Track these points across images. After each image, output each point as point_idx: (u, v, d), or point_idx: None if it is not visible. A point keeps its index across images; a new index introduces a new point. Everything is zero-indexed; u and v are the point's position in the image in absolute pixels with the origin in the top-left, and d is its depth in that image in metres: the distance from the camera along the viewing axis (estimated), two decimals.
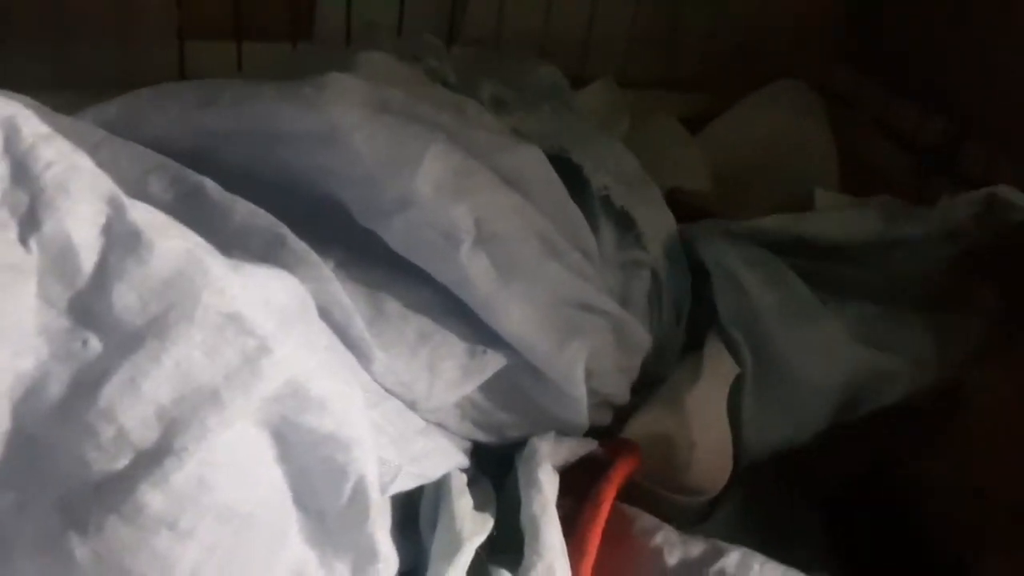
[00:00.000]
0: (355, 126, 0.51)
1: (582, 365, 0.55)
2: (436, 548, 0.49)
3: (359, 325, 0.49)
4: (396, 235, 0.52)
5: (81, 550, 0.40)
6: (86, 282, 0.41)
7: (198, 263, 0.43)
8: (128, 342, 0.41)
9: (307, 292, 0.47)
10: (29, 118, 0.42)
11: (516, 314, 0.53)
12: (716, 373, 0.59)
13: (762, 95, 0.89)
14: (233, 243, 0.48)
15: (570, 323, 0.55)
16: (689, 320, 0.64)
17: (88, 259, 0.41)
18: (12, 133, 0.41)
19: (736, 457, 0.57)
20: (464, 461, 0.53)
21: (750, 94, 0.89)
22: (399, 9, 0.84)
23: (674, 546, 0.49)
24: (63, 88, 0.68)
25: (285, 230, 0.48)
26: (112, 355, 0.41)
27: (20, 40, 0.75)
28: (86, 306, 0.41)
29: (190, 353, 0.41)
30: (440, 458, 0.52)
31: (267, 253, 0.48)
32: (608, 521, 0.50)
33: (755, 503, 0.58)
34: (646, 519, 0.52)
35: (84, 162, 0.43)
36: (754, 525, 0.57)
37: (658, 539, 0.50)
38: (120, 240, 0.42)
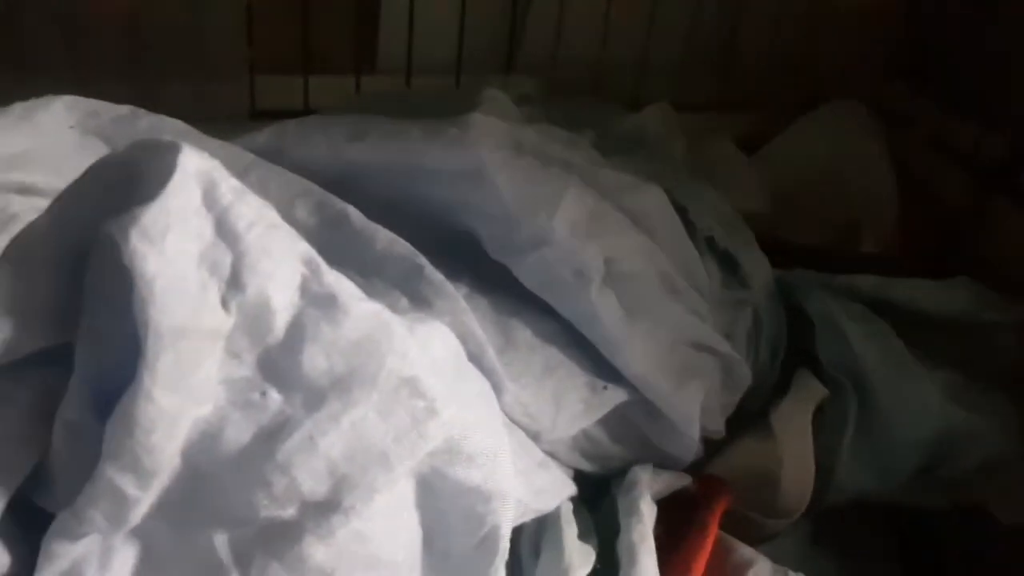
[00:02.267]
0: (499, 166, 0.54)
1: (699, 406, 0.56)
2: (541, 575, 0.50)
3: (491, 356, 0.50)
4: (529, 271, 0.54)
5: None
6: (277, 341, 0.42)
7: (385, 327, 0.44)
8: (311, 400, 0.42)
9: (457, 341, 0.49)
10: (223, 172, 0.42)
11: (639, 353, 0.54)
12: (802, 393, 0.62)
13: (818, 115, 0.89)
14: (373, 270, 0.50)
15: (688, 363, 0.56)
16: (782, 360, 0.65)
17: (282, 319, 0.42)
18: (211, 188, 0.41)
19: (822, 494, 0.59)
20: (574, 491, 0.55)
21: (806, 114, 0.90)
22: (459, 39, 0.86)
23: None
24: None
25: (423, 260, 0.50)
26: (294, 412, 0.42)
27: (99, 73, 0.79)
28: (273, 362, 0.42)
29: (367, 414, 0.42)
30: (556, 490, 0.53)
31: (406, 282, 0.50)
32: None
33: (828, 524, 0.60)
34: (742, 551, 0.53)
35: (278, 219, 0.44)
36: (827, 544, 0.59)
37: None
38: (316, 302, 0.43)
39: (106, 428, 0.39)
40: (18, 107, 0.53)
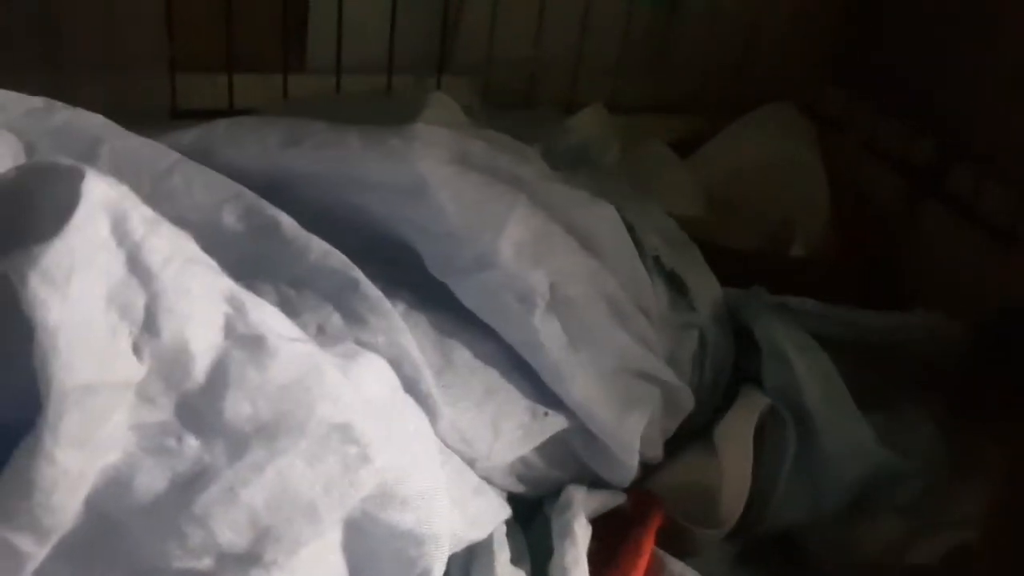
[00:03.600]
0: (443, 183, 0.52)
1: (639, 435, 0.55)
2: None
3: (428, 380, 0.48)
4: (471, 293, 0.53)
5: None
6: (197, 386, 0.39)
7: (316, 370, 0.42)
8: (233, 448, 0.39)
9: (392, 375, 0.46)
10: (134, 200, 0.39)
11: (581, 382, 0.53)
12: (746, 404, 0.61)
13: (752, 118, 0.89)
14: (305, 283, 0.48)
15: (631, 392, 0.55)
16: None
17: (203, 364, 0.39)
18: (120, 219, 0.38)
19: (759, 518, 0.59)
20: (508, 514, 0.53)
21: (740, 118, 0.90)
22: (389, 39, 0.84)
23: None
24: None
25: (359, 274, 0.48)
26: (214, 460, 0.39)
27: (10, 68, 0.76)
28: (192, 408, 0.39)
29: (294, 462, 0.40)
30: (491, 516, 0.52)
31: (339, 297, 0.47)
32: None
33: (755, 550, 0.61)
34: (673, 567, 0.53)
35: (197, 252, 0.41)
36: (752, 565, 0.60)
37: None
38: (241, 344, 0.40)
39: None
40: None
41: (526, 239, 0.52)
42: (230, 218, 0.48)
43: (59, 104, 0.51)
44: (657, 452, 0.59)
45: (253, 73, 0.82)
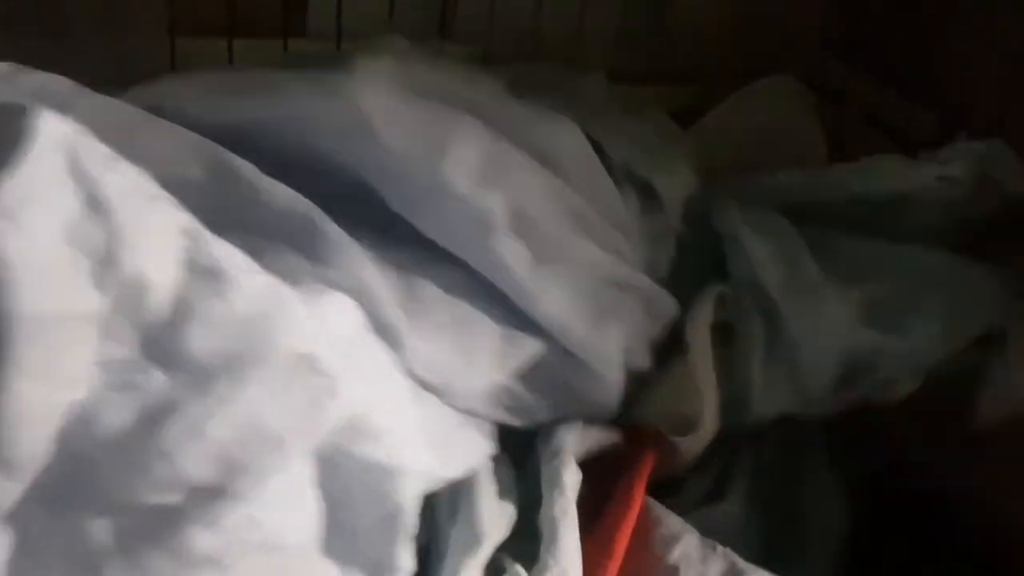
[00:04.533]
0: (385, 116, 0.51)
1: (619, 347, 0.55)
2: (455, 542, 0.49)
3: (390, 313, 0.49)
4: (428, 223, 0.53)
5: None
6: (160, 320, 0.39)
7: (279, 301, 0.42)
8: (199, 382, 0.40)
9: (359, 312, 0.47)
10: (92, 139, 0.39)
11: (552, 298, 0.53)
12: (703, 297, 0.61)
13: (753, 90, 0.89)
14: (268, 226, 0.48)
15: (606, 304, 0.55)
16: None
17: (165, 297, 0.39)
18: (77, 157, 0.38)
19: (740, 416, 0.58)
20: (492, 449, 0.53)
21: (741, 89, 0.89)
22: (389, 6, 0.84)
23: (691, 565, 0.50)
24: None
25: (319, 214, 0.48)
26: (180, 394, 0.40)
27: (10, 32, 0.75)
28: (156, 342, 0.40)
29: (259, 394, 0.41)
30: (472, 454, 0.52)
31: (301, 237, 0.48)
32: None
33: (767, 483, 0.59)
34: (670, 522, 0.52)
35: (155, 189, 0.41)
36: (767, 506, 0.59)
37: (676, 554, 0.50)
38: (202, 276, 0.40)
39: None
40: None
41: (475, 162, 0.52)
42: (194, 169, 0.48)
43: (26, 69, 0.51)
44: (645, 362, 0.59)
45: (253, 38, 0.82)
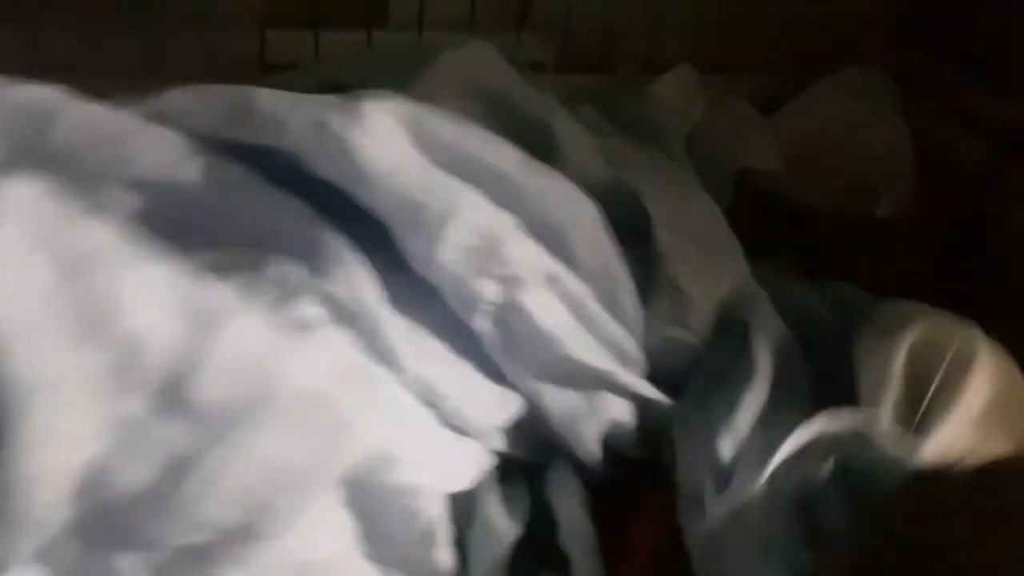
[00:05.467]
0: (385, 175, 0.49)
1: (594, 441, 0.54)
2: (473, 545, 0.49)
3: (390, 334, 0.48)
4: (424, 273, 0.51)
5: None
6: (163, 372, 0.39)
7: (278, 339, 0.42)
8: (212, 431, 0.40)
9: (349, 345, 0.46)
10: (57, 198, 0.39)
11: (526, 386, 0.52)
12: None
13: (835, 80, 0.88)
14: (268, 235, 0.47)
15: (583, 401, 0.53)
16: None
17: (163, 349, 0.39)
18: (41, 222, 0.38)
19: None
20: (490, 463, 0.53)
21: (823, 79, 0.89)
22: None
23: None
24: (151, 75, 0.69)
25: (321, 226, 0.48)
26: (195, 444, 0.39)
27: (108, 26, 0.77)
28: (163, 395, 0.39)
29: (274, 437, 0.40)
30: (471, 465, 0.51)
31: (302, 248, 0.47)
32: None
33: None
34: None
35: (129, 243, 0.41)
36: None
37: None
38: (198, 323, 0.40)
39: None
40: None
41: (471, 242, 0.49)
42: (190, 175, 0.47)
43: (15, 82, 0.49)
44: (633, 451, 0.57)
45: (338, 29, 0.84)
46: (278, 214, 0.48)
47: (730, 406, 0.52)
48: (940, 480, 0.49)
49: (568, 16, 0.89)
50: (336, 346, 0.45)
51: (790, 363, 0.55)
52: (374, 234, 0.50)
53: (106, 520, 0.39)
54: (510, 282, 0.50)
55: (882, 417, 0.50)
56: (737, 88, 0.89)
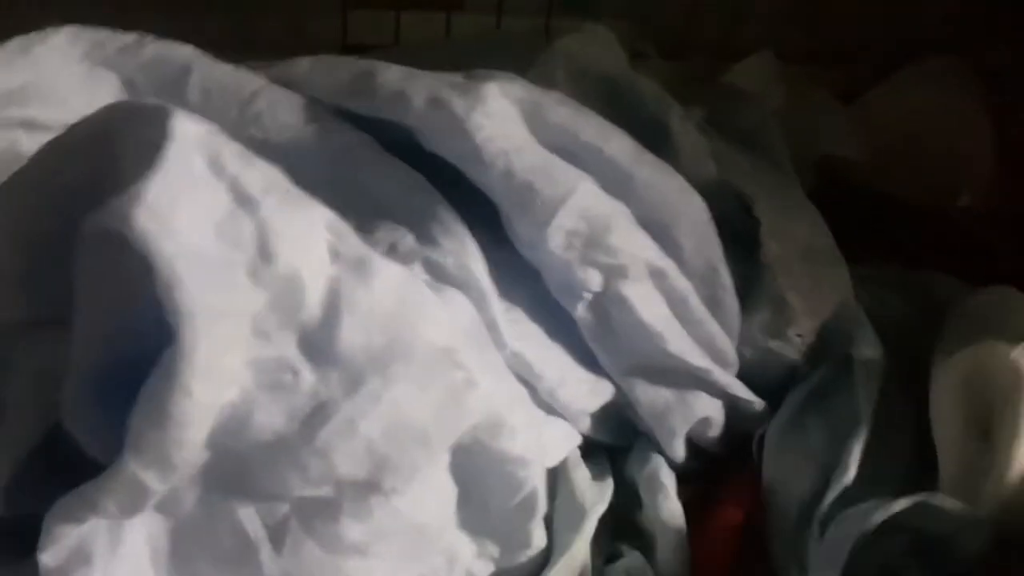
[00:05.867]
0: (499, 157, 0.49)
1: (680, 438, 0.54)
2: (559, 519, 0.50)
3: (495, 308, 0.48)
4: (529, 257, 0.52)
5: (272, 567, 0.40)
6: (311, 316, 0.39)
7: (417, 292, 0.42)
8: (350, 380, 0.40)
9: (473, 308, 0.47)
10: (223, 137, 0.39)
11: (618, 375, 0.53)
12: None
13: (918, 70, 0.86)
14: (381, 201, 0.48)
15: (681, 397, 0.54)
16: None
17: (316, 291, 0.39)
18: (215, 154, 0.38)
19: None
20: (579, 440, 0.54)
21: (905, 68, 0.87)
22: None
23: None
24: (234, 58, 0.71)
25: (435, 196, 0.48)
26: (331, 393, 0.39)
27: (192, 7, 0.79)
28: (306, 340, 0.39)
29: (406, 390, 0.40)
30: (562, 441, 0.52)
31: (413, 216, 0.48)
32: None
33: None
34: None
35: (290, 184, 0.41)
36: None
37: None
38: (348, 269, 0.40)
39: (131, 419, 0.36)
40: (15, 41, 0.50)
41: (580, 230, 0.50)
42: (313, 139, 0.48)
43: (149, 39, 0.52)
44: (718, 450, 0.57)
45: (418, 10, 0.85)
46: (393, 182, 0.48)
47: (831, 435, 0.53)
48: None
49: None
50: (462, 307, 0.46)
51: (891, 404, 0.54)
52: (479, 213, 0.50)
53: (234, 468, 0.39)
54: (615, 272, 0.51)
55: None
56: (818, 78, 0.88)
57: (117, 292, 0.38)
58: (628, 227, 0.52)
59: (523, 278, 0.51)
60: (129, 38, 0.52)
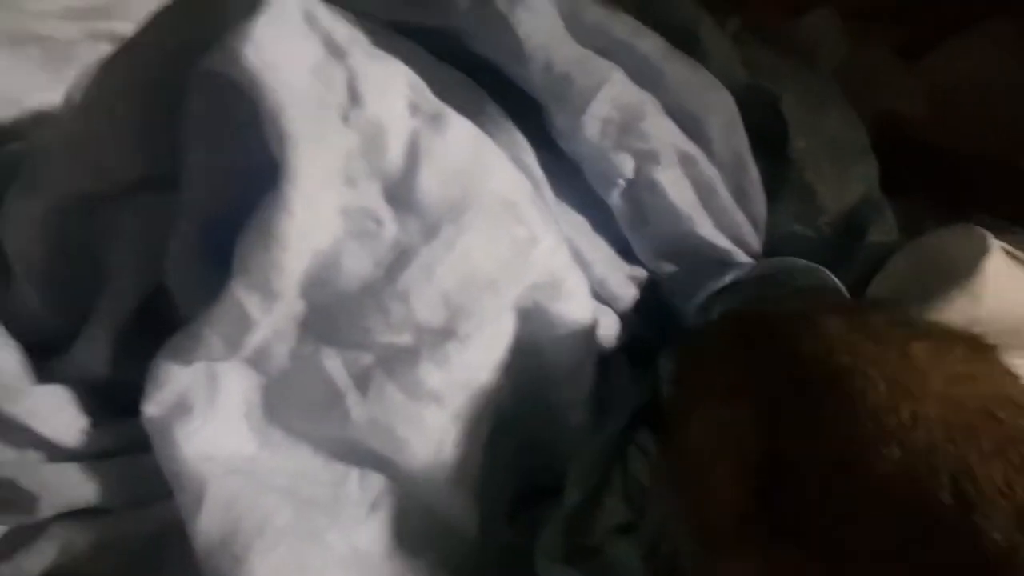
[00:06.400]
0: (540, 50, 0.51)
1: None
2: (607, 407, 0.52)
3: (548, 194, 0.51)
4: (567, 147, 0.54)
5: (358, 410, 0.43)
6: (393, 165, 0.42)
7: (486, 145, 0.44)
8: (427, 227, 0.42)
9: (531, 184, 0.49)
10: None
11: (647, 257, 0.56)
12: None
13: (979, 30, 0.87)
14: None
15: (700, 273, 0.56)
16: None
17: (397, 140, 0.42)
18: (310, 9, 0.41)
19: None
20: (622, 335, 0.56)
21: (966, 28, 0.87)
22: None
23: None
24: None
25: (483, 94, 0.51)
26: (411, 240, 0.42)
27: None
28: (389, 188, 0.42)
29: (477, 240, 0.43)
30: (612, 332, 0.54)
31: (465, 111, 0.49)
32: None
33: None
34: None
35: (370, 47, 0.44)
36: None
37: None
38: (426, 121, 0.42)
39: (237, 245, 0.39)
40: None
41: (614, 117, 0.52)
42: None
43: None
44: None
45: None
46: (441, 79, 0.50)
47: None
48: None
49: None
50: (523, 171, 0.48)
51: None
52: (523, 113, 0.53)
53: (323, 319, 0.42)
54: (647, 157, 0.53)
55: None
56: (879, 36, 0.88)
57: (224, 134, 0.41)
58: (659, 114, 0.54)
59: (567, 174, 0.54)
60: None
